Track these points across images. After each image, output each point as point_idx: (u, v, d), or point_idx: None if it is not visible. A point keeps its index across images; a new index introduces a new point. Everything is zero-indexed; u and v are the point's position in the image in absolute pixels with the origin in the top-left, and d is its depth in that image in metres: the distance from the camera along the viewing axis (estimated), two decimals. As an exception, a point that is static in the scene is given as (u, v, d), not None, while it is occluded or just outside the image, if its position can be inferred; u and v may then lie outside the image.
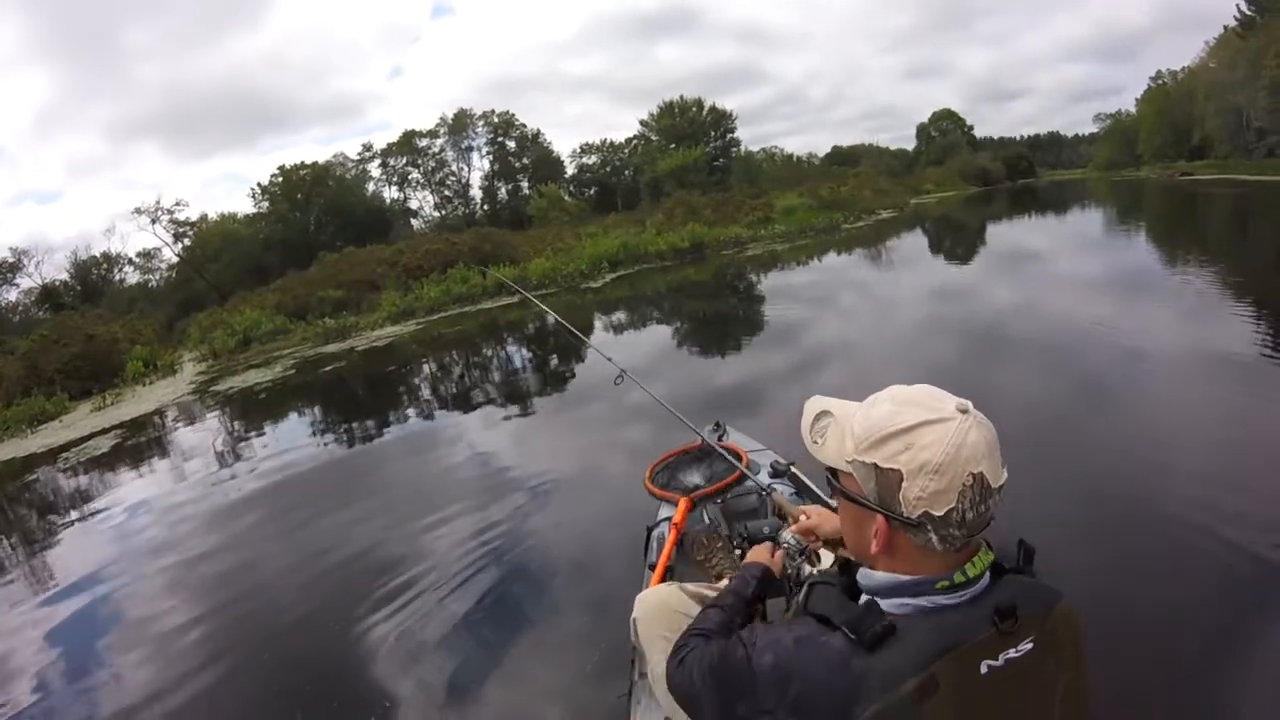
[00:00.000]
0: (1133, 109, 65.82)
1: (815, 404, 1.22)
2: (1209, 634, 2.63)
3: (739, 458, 2.98)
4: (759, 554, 1.78)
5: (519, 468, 5.75)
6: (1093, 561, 3.06)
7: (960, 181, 57.44)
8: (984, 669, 1.01)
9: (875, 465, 1.05)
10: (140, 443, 10.14)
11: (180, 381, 15.43)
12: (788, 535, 1.84)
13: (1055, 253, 14.63)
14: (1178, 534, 3.30)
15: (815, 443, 1.18)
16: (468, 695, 3.03)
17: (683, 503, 2.70)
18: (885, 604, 1.06)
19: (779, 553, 1.79)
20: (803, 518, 1.79)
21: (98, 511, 6.98)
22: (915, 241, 22.48)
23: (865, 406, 1.12)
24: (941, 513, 1.01)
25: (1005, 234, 21.81)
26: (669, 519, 2.68)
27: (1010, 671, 1.02)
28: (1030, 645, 1.03)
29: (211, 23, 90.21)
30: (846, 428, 1.12)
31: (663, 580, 2.32)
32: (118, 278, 40.74)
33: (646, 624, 1.86)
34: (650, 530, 2.80)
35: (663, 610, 1.85)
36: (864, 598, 1.11)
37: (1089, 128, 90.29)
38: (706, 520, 2.60)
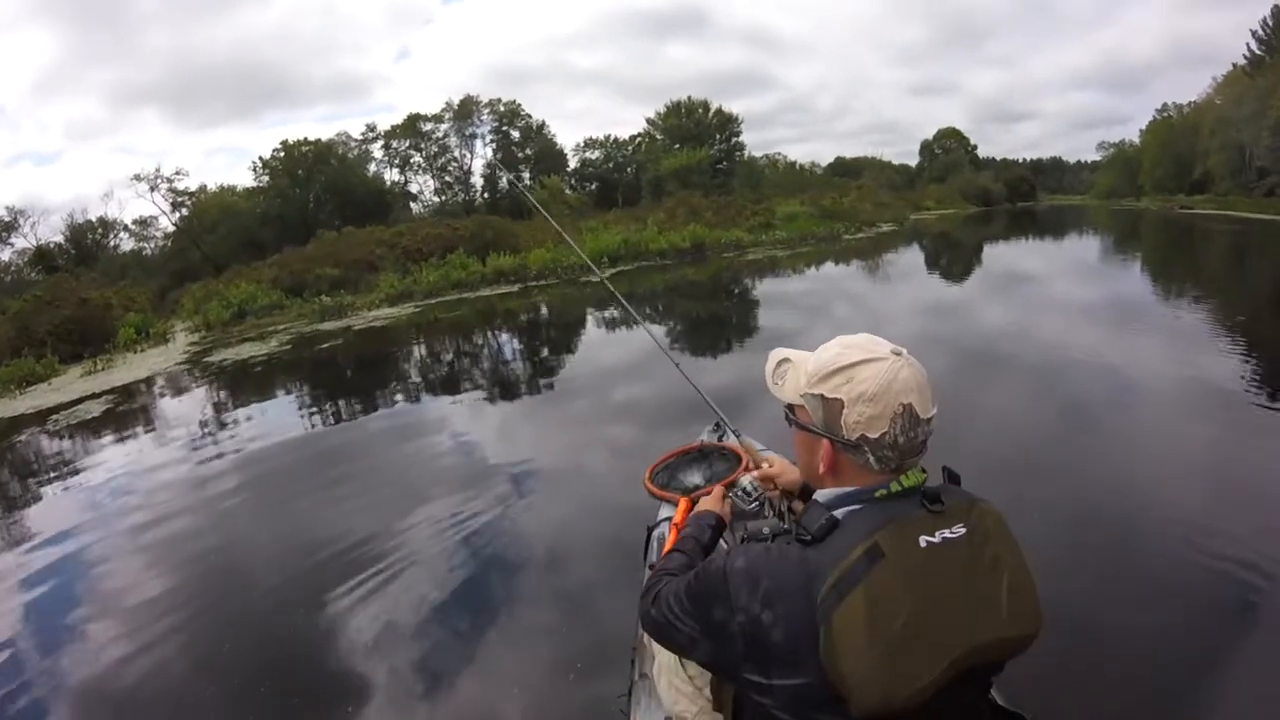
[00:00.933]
0: (1136, 139, 66.07)
1: (777, 354, 1.41)
2: (1188, 657, 2.68)
3: (739, 458, 2.93)
4: (710, 502, 1.94)
5: (517, 464, 5.65)
6: (1073, 585, 3.08)
7: (961, 200, 57.73)
8: (922, 543, 1.14)
9: (822, 396, 1.24)
10: (130, 409, 10.06)
11: (173, 351, 15.30)
12: (746, 480, 2.00)
13: (1050, 277, 14.74)
14: (1155, 559, 3.36)
15: (776, 384, 1.38)
16: (468, 695, 3.02)
17: (683, 503, 2.58)
18: (835, 512, 1.19)
19: (728, 501, 1.96)
20: (765, 465, 2.04)
21: (79, 473, 6.92)
22: (915, 257, 22.61)
23: (817, 352, 1.30)
24: (876, 435, 1.19)
25: (1003, 255, 22.02)
26: (669, 519, 2.65)
27: (946, 549, 1.15)
28: (962, 529, 1.17)
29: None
30: (801, 369, 1.32)
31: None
32: (113, 244, 40.27)
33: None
34: (650, 530, 2.82)
35: None
36: None
37: (1091, 155, 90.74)
38: None
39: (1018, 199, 65.80)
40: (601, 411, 7.00)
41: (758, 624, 1.15)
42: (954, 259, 21.39)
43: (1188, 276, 14.67)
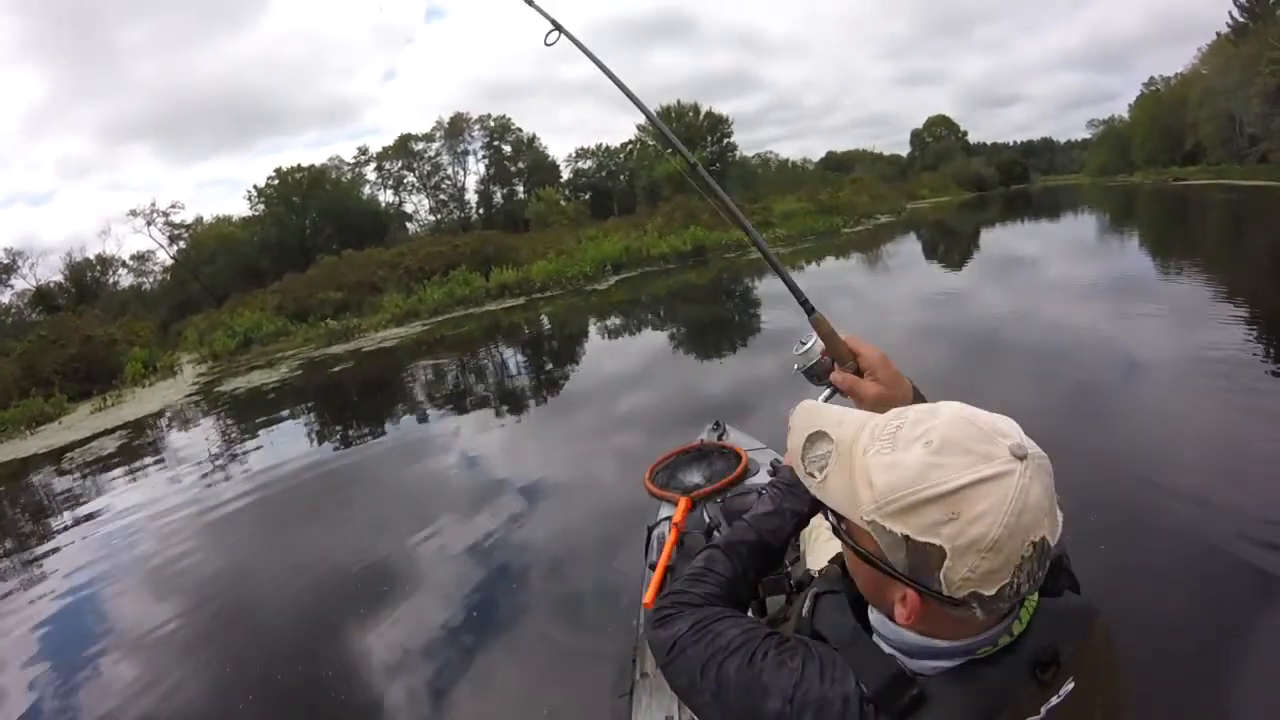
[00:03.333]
0: (1126, 115, 66.41)
1: (805, 417, 0.94)
2: (1206, 636, 2.61)
3: (739, 457, 2.97)
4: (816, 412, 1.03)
5: (526, 476, 5.66)
6: (1086, 567, 2.98)
7: (955, 187, 57.93)
8: None
9: (906, 537, 0.79)
10: (145, 443, 9.99)
11: (182, 383, 15.28)
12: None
13: (1048, 258, 14.62)
14: (1171, 537, 3.30)
15: (812, 476, 0.90)
16: (469, 694, 3.05)
17: (683, 503, 2.64)
18: (912, 664, 0.88)
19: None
20: (863, 386, 1.23)
21: (101, 512, 6.84)
22: (913, 247, 22.55)
23: (885, 438, 0.84)
24: (993, 591, 0.78)
25: (1000, 239, 21.93)
26: (669, 519, 2.63)
27: None
28: (1071, 686, 0.88)
29: (205, 22, 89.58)
30: (858, 469, 0.84)
31: (663, 579, 2.29)
32: (112, 280, 40.53)
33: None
34: (651, 530, 2.76)
35: None
36: (885, 648, 0.91)
37: (1082, 134, 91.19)
38: (707, 520, 2.55)
39: (1011, 182, 66.09)
40: (608, 418, 6.95)
41: None
42: (952, 247, 21.28)
43: (1186, 248, 14.59)
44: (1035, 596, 0.88)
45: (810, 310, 1.39)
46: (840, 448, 0.87)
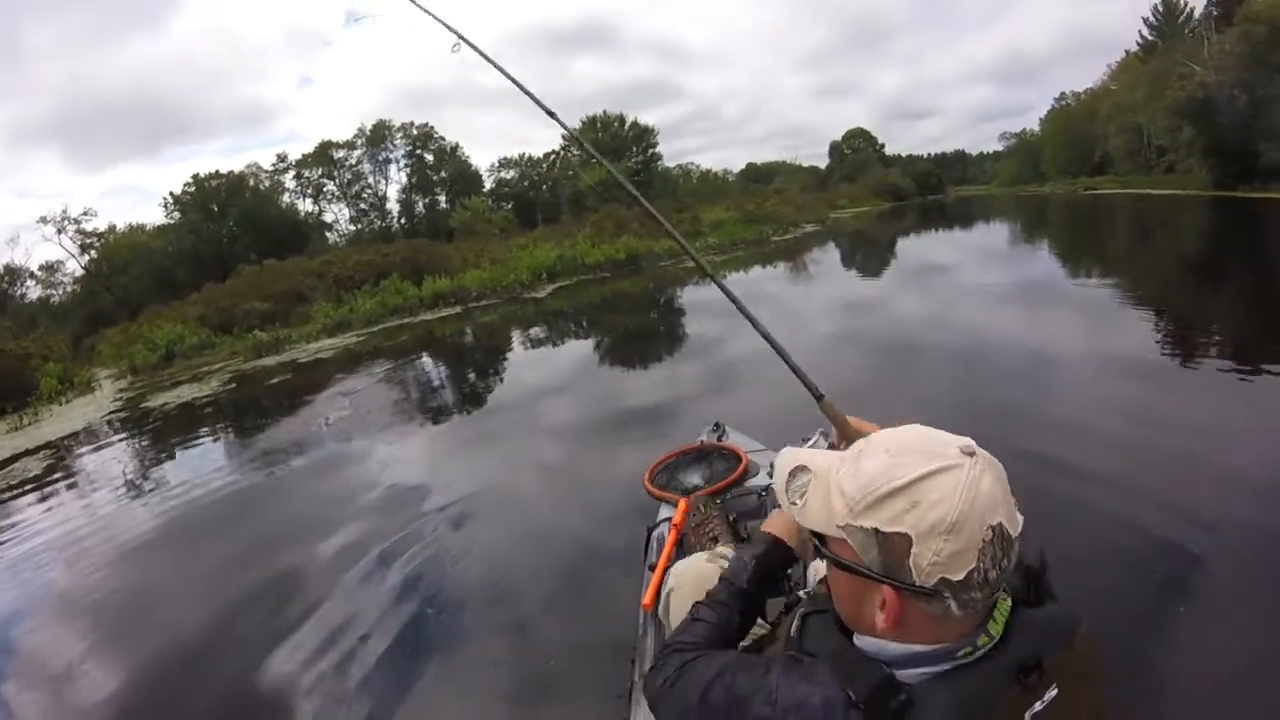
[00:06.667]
0: (1037, 128, 69.50)
1: (787, 458, 1.07)
2: (1131, 619, 2.68)
3: (738, 458, 3.00)
4: (775, 523, 1.49)
5: (516, 473, 5.67)
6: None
7: (873, 197, 59.77)
8: None
9: (876, 530, 0.91)
10: (73, 463, 9.51)
11: (102, 399, 14.59)
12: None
13: (962, 265, 15.20)
14: (1087, 529, 3.40)
15: (794, 504, 1.03)
16: (469, 694, 3.04)
17: (682, 503, 2.65)
18: (898, 674, 0.93)
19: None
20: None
21: (38, 535, 6.43)
22: (837, 255, 23.24)
23: (852, 459, 0.98)
24: (961, 576, 0.88)
25: (917, 248, 22.79)
26: (669, 519, 2.65)
27: None
28: (1054, 693, 0.93)
29: (113, 22, 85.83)
30: (832, 485, 0.98)
31: (662, 580, 2.28)
32: (19, 293, 38.23)
33: (681, 596, 1.79)
34: (650, 531, 2.79)
35: (699, 581, 1.73)
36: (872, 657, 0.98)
37: (994, 145, 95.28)
38: None
39: (927, 192, 68.71)
40: (575, 422, 6.95)
41: None
42: (871, 255, 21.96)
43: (1096, 253, 15.60)
44: (1008, 602, 0.96)
45: (819, 396, 1.55)
46: (818, 475, 1.01)
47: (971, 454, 0.91)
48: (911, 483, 0.89)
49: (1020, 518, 0.92)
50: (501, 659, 3.19)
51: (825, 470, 1.01)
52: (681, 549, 2.43)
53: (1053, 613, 1.01)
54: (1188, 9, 43.78)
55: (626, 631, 2.48)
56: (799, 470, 1.04)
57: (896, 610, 0.92)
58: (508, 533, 4.49)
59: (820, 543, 1.00)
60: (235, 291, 22.48)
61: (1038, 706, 0.91)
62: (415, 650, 3.35)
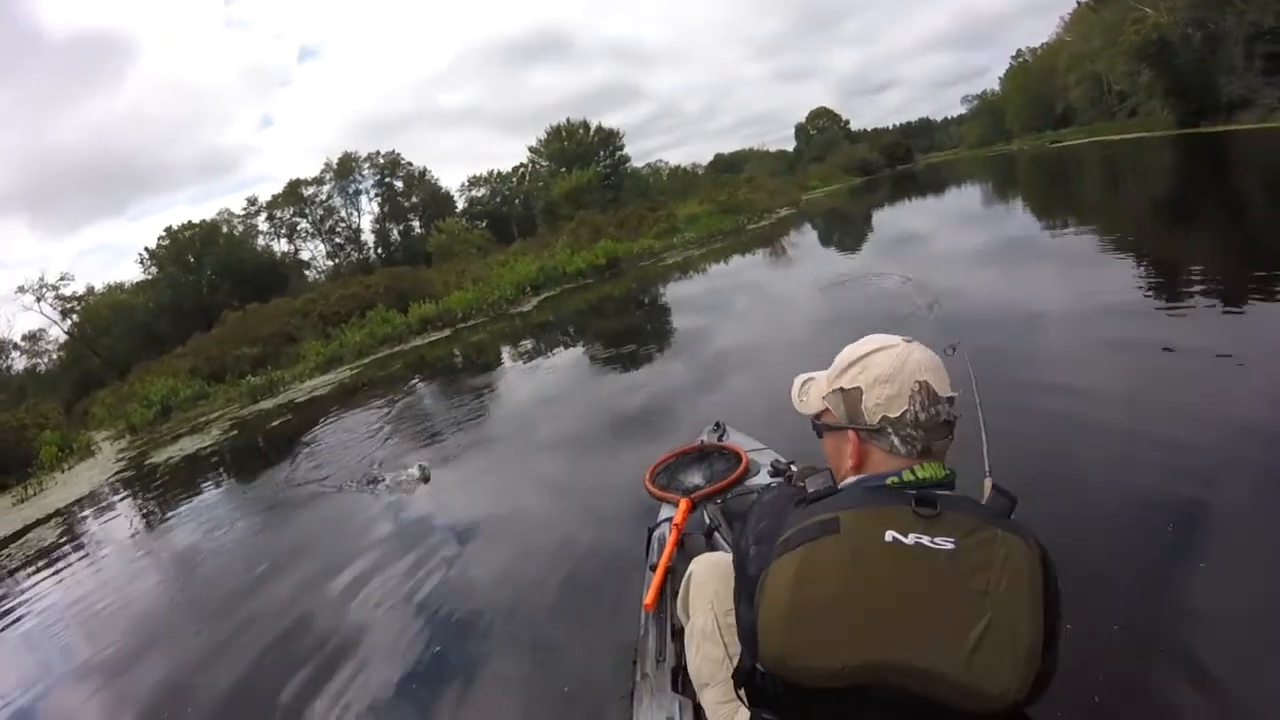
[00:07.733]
0: (998, 88, 70.01)
1: (800, 378, 1.48)
2: (1139, 575, 2.65)
3: (739, 458, 3.03)
4: None
5: (517, 486, 5.75)
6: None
7: (843, 174, 60.02)
8: (888, 537, 1.11)
9: (841, 389, 1.32)
10: (86, 529, 9.57)
11: (105, 461, 14.58)
12: None
13: (938, 232, 15.33)
14: (1087, 472, 3.45)
15: (802, 401, 1.44)
16: (471, 692, 3.09)
17: (683, 503, 2.71)
18: (842, 484, 1.30)
19: None
20: None
21: (66, 605, 6.39)
22: (817, 235, 23.32)
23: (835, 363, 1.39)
24: (897, 414, 1.24)
25: (892, 219, 22.93)
26: (670, 520, 2.70)
27: (914, 554, 1.09)
28: (950, 544, 1.09)
29: (66, 82, 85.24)
30: (820, 379, 1.41)
31: (664, 580, 2.38)
32: (5, 365, 37.77)
33: (700, 582, 1.90)
34: (651, 531, 2.84)
35: (717, 574, 1.86)
36: None
37: (958, 110, 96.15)
38: (707, 521, 2.61)
39: (896, 163, 68.78)
40: (575, 431, 6.96)
41: (746, 555, 1.27)
42: (848, 232, 22.04)
43: (1068, 203, 15.84)
44: (941, 466, 1.25)
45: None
46: (815, 380, 1.43)
47: (909, 341, 1.30)
48: (864, 355, 1.31)
49: (950, 390, 1.27)
50: (504, 673, 3.19)
51: (821, 376, 1.42)
52: (682, 549, 2.49)
53: (991, 509, 1.20)
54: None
55: (630, 633, 2.52)
56: (807, 380, 1.45)
57: (858, 450, 1.30)
58: (512, 546, 4.51)
59: (816, 420, 1.40)
60: (223, 339, 22.47)
61: (925, 541, 1.10)
62: (427, 671, 3.34)
